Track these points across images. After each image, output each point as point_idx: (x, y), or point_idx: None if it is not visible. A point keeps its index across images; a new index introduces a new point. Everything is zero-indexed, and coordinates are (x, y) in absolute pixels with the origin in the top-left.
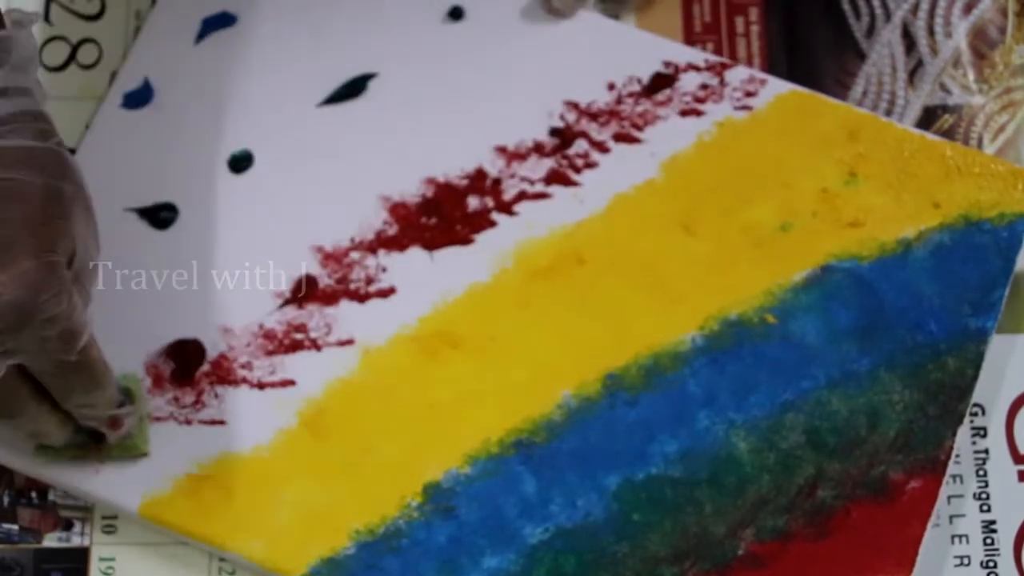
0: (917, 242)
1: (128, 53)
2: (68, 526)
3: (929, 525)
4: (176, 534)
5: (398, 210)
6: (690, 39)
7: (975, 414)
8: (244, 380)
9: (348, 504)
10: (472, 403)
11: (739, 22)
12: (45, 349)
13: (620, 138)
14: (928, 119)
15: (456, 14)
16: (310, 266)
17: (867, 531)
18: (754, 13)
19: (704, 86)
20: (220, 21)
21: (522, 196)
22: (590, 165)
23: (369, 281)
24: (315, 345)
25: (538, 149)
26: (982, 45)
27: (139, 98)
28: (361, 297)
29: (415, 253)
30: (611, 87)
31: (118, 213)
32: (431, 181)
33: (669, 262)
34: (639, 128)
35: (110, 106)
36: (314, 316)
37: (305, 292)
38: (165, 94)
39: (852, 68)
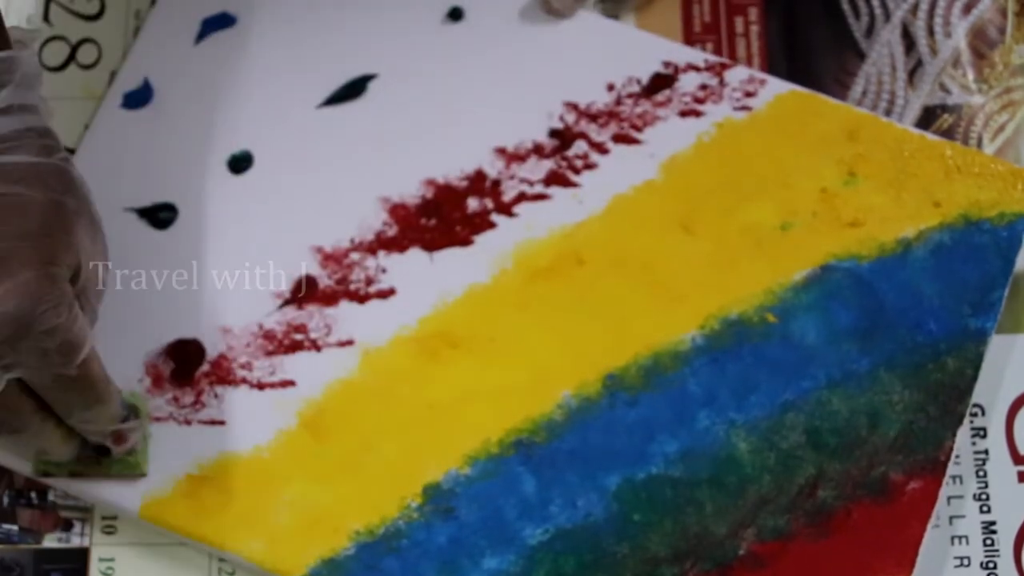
0: (917, 242)
1: (128, 53)
2: (68, 526)
3: (929, 526)
4: (176, 535)
5: (398, 211)
6: (690, 39)
7: (975, 415)
8: (244, 380)
9: (348, 505)
10: (472, 403)
11: (739, 22)
12: (45, 362)
13: (619, 139)
14: (928, 119)
15: (455, 15)
16: (310, 267)
17: (867, 531)
18: (754, 13)
19: (703, 86)
20: (220, 22)
21: (521, 197)
22: (589, 166)
23: (369, 282)
24: (315, 346)
25: (537, 150)
26: (982, 45)
27: (139, 98)
28: (361, 298)
29: (415, 254)
30: (610, 88)
31: (118, 213)
32: (431, 182)
33: (669, 262)
34: (638, 129)
35: (110, 106)
36: (314, 317)
37: (305, 293)
38: (165, 94)
39: (852, 68)
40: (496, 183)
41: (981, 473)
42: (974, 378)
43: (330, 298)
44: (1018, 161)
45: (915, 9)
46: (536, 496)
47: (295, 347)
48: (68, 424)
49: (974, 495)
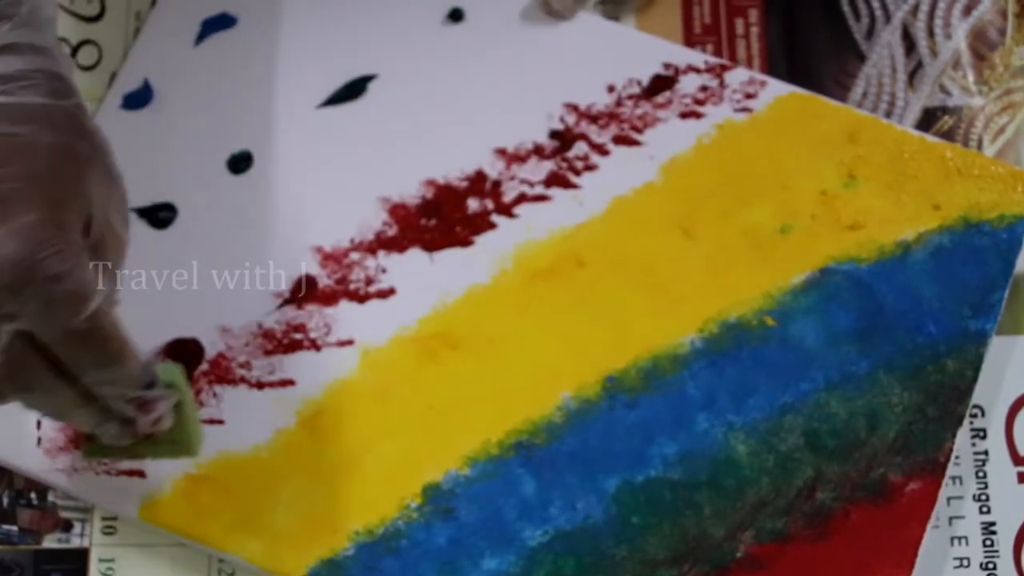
0: (916, 244)
1: (128, 54)
2: (68, 527)
3: (928, 527)
4: (175, 535)
5: (398, 211)
6: (690, 41)
7: (975, 416)
8: (243, 380)
9: (347, 505)
10: (471, 404)
11: (739, 24)
12: (50, 313)
13: (620, 140)
14: (928, 120)
15: (456, 16)
16: (310, 266)
17: (866, 533)
18: (754, 15)
19: (704, 88)
20: (220, 22)
21: (522, 198)
22: (590, 168)
23: (369, 282)
24: (314, 345)
25: (538, 151)
26: (982, 47)
27: (139, 99)
28: (361, 298)
29: (415, 254)
30: (611, 89)
31: None
32: (431, 183)
33: (668, 264)
34: (639, 130)
35: (110, 107)
36: (313, 316)
37: (304, 292)
38: (165, 95)
39: (852, 69)
40: (496, 184)
41: (981, 474)
42: (974, 380)
43: (330, 298)
44: (1018, 163)
45: (915, 11)
46: (536, 497)
47: (294, 347)
48: (85, 386)
49: (974, 496)
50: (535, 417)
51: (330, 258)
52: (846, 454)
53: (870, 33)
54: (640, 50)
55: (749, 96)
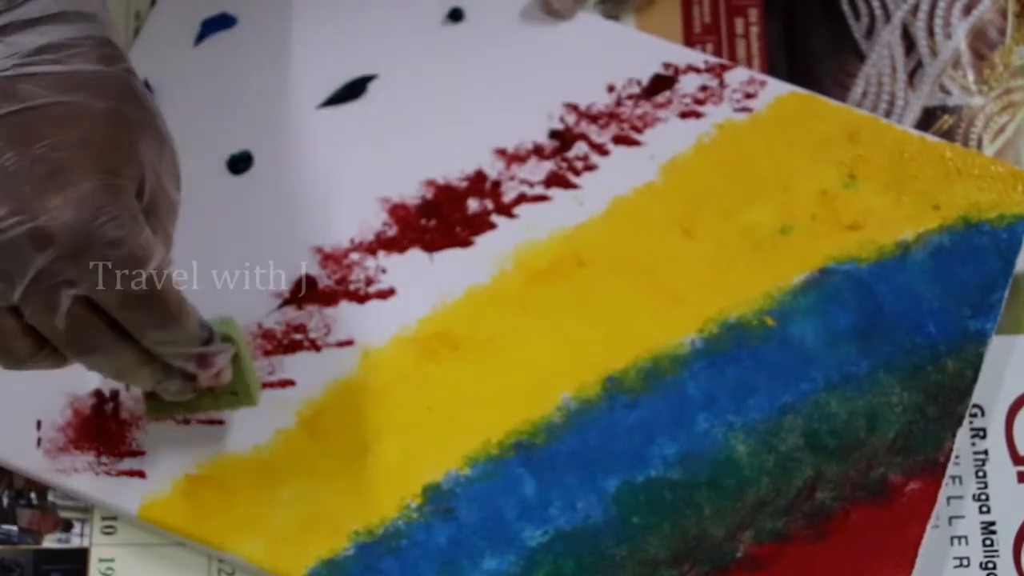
0: (916, 244)
1: (128, 54)
2: (67, 527)
3: (928, 526)
4: (176, 535)
5: (398, 212)
6: (690, 40)
7: (974, 415)
8: None
9: (347, 505)
10: (471, 405)
11: (739, 23)
12: (109, 279)
13: (619, 140)
14: (928, 120)
15: (456, 16)
16: (310, 267)
17: (866, 533)
18: (754, 14)
19: (704, 88)
20: (220, 23)
21: (522, 198)
22: (589, 168)
23: (369, 282)
24: (314, 346)
25: (538, 151)
26: (982, 46)
27: None
28: (360, 298)
29: (415, 255)
30: (611, 89)
31: None
32: (431, 183)
33: (668, 265)
34: (638, 130)
35: None
36: (313, 317)
37: (304, 293)
38: (165, 95)
39: (852, 69)
40: (496, 184)
41: (981, 473)
42: (974, 379)
43: (330, 298)
44: (1018, 162)
45: (915, 10)
46: (536, 498)
47: (294, 347)
48: (145, 346)
49: (974, 495)
50: (535, 417)
51: (330, 258)
52: (846, 454)
53: (870, 33)
54: (640, 50)
55: (749, 96)
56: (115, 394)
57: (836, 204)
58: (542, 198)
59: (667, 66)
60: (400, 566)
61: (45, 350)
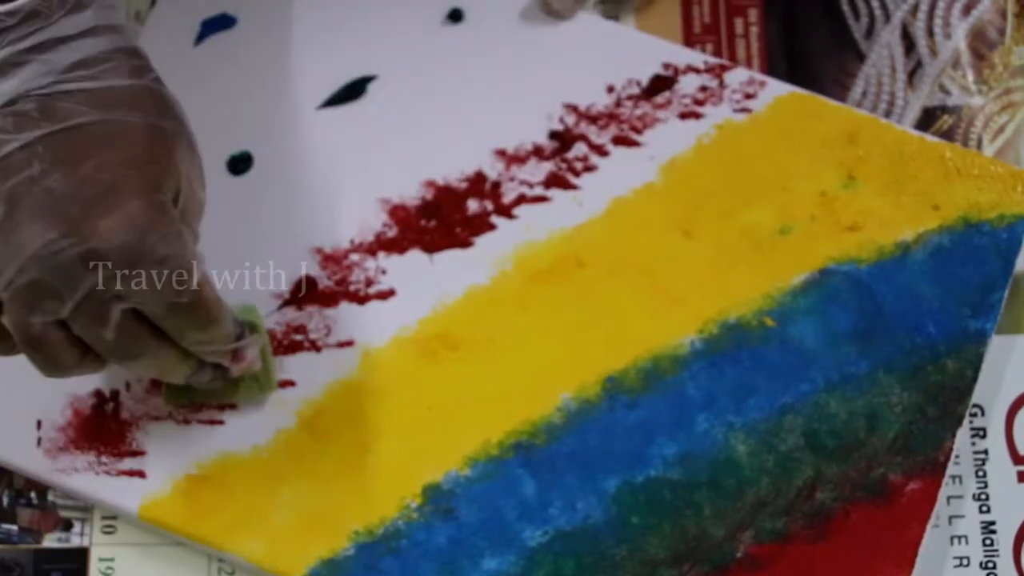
0: (916, 244)
1: None
2: (68, 526)
3: (928, 526)
4: (176, 535)
5: (397, 212)
6: (689, 40)
7: (974, 415)
8: None
9: (347, 505)
10: (471, 405)
11: (738, 23)
12: (158, 292)
13: (619, 141)
14: (927, 120)
15: (455, 16)
16: (310, 267)
17: (866, 533)
18: (753, 14)
19: (703, 88)
20: (220, 23)
21: (521, 199)
22: (589, 168)
23: (368, 283)
24: (314, 346)
25: (537, 152)
26: (981, 46)
27: None
28: (360, 299)
29: (414, 255)
30: (610, 89)
31: None
32: (430, 184)
33: (668, 265)
34: (638, 131)
35: None
36: (313, 317)
37: (304, 293)
38: None
39: (851, 69)
40: (496, 185)
41: (981, 473)
42: (974, 379)
43: (330, 299)
44: (1018, 162)
45: (915, 10)
46: (536, 498)
47: (295, 347)
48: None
49: (974, 495)
50: (535, 418)
51: (330, 259)
52: (846, 454)
53: (870, 33)
54: (640, 50)
55: (749, 96)
56: (115, 394)
57: (836, 205)
58: (542, 199)
59: (667, 66)
60: (400, 566)
61: (89, 357)
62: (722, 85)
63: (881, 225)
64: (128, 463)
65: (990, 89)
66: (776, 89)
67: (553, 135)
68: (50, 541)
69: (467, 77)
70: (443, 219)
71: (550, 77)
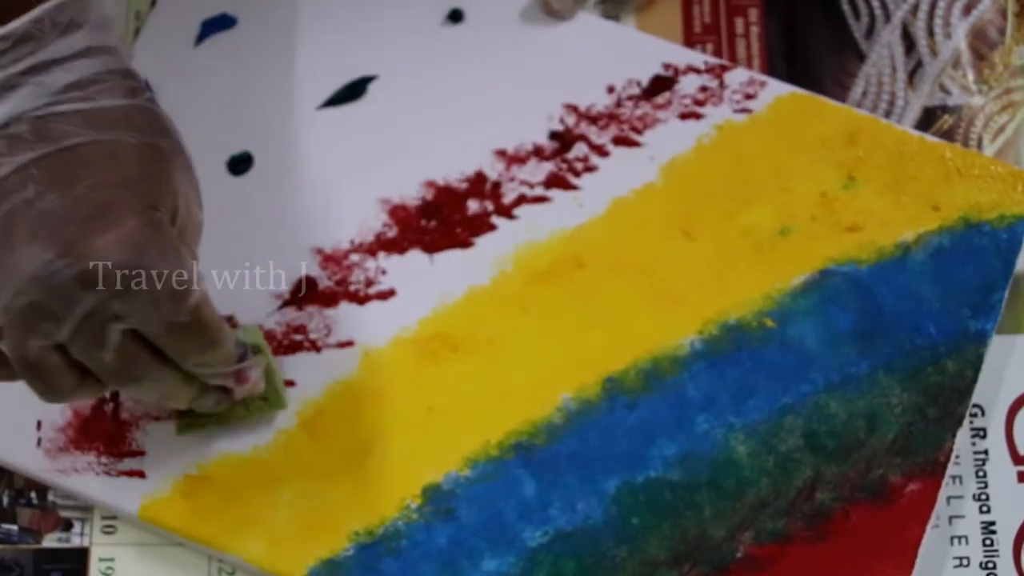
0: (916, 245)
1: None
2: (68, 526)
3: (928, 526)
4: (175, 535)
5: (398, 213)
6: (690, 40)
7: (975, 415)
8: None
9: (347, 506)
10: (471, 405)
11: (739, 23)
12: (155, 311)
13: (619, 141)
14: (928, 120)
15: (455, 16)
16: (310, 268)
17: (866, 533)
18: (754, 14)
19: (703, 88)
20: (220, 23)
21: (521, 200)
22: (589, 169)
23: (369, 283)
24: (314, 346)
25: (537, 152)
26: (982, 46)
27: None
28: (361, 299)
29: (415, 256)
30: (611, 90)
31: None
32: (431, 184)
33: (668, 266)
34: (638, 131)
35: None
36: (313, 317)
37: (305, 293)
38: (165, 95)
39: (852, 69)
40: (496, 185)
41: (981, 473)
42: (974, 380)
43: (330, 299)
44: (1018, 162)
45: (915, 10)
46: (536, 499)
47: (294, 348)
48: (186, 370)
49: (974, 495)
50: (535, 418)
51: (330, 259)
52: (846, 455)
53: (870, 32)
54: (640, 50)
55: (749, 96)
56: (115, 394)
57: (836, 205)
58: (542, 199)
59: (667, 67)
60: (400, 566)
61: (88, 381)
62: (722, 85)
63: (881, 226)
64: (128, 463)
65: (990, 89)
66: (776, 89)
67: (553, 135)
68: (50, 541)
69: (467, 77)
70: (443, 219)
71: (550, 77)
